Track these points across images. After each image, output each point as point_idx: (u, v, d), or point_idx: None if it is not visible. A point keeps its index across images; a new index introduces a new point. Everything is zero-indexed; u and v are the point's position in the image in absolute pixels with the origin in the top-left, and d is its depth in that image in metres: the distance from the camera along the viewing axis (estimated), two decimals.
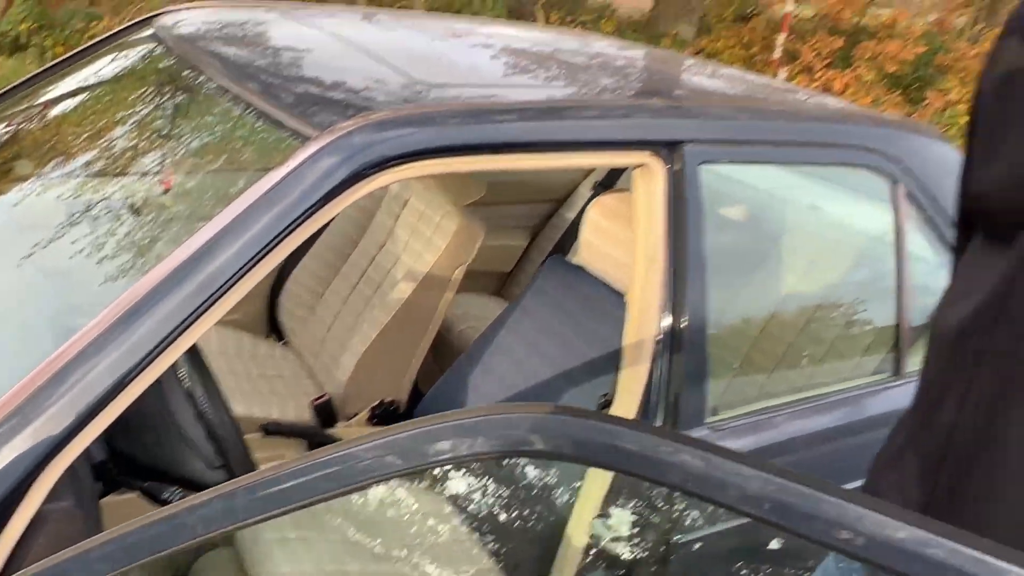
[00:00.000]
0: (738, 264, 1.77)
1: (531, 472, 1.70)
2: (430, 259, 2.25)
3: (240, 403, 2.18)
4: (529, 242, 3.15)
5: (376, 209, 2.54)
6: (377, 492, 1.94)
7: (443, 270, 2.25)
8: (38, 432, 1.01)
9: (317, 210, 1.17)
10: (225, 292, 1.11)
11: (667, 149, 1.46)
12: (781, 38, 9.58)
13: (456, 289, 2.31)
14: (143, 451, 1.40)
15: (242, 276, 1.12)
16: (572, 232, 3.02)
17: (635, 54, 2.35)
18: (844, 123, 1.75)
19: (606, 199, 1.89)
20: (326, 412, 2.27)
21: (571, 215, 3.05)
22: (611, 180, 2.95)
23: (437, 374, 2.40)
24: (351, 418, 2.30)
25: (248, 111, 1.35)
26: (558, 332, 1.94)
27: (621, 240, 1.78)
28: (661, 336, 1.46)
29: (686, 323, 1.47)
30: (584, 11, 10.83)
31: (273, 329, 2.71)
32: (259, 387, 2.34)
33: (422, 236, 2.33)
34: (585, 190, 3.08)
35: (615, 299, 1.79)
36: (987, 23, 13.15)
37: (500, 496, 1.58)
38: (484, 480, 1.61)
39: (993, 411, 0.93)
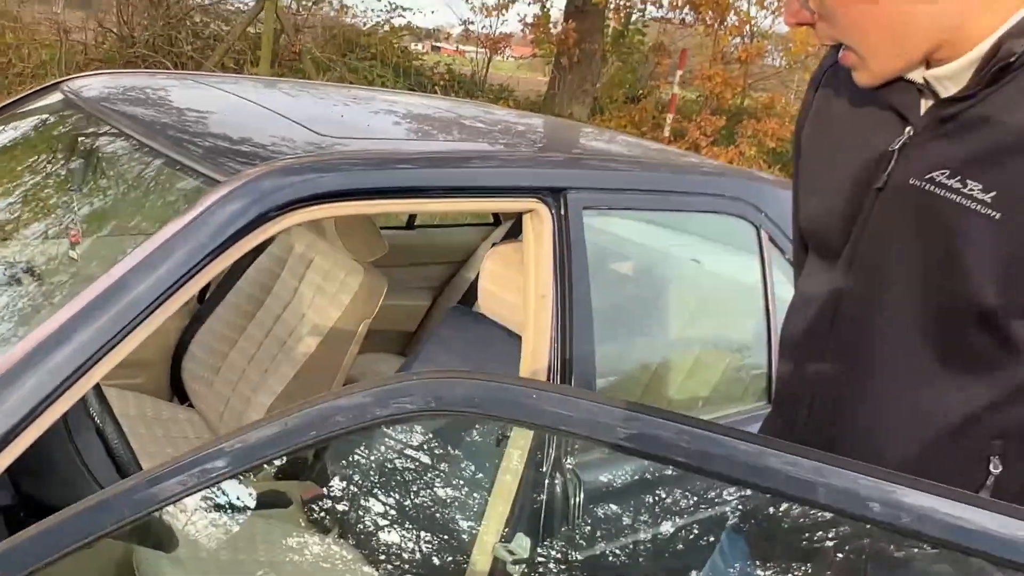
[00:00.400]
0: (620, 301, 1.92)
1: (440, 513, 1.77)
2: (335, 314, 2.32)
3: (145, 463, 2.17)
4: (432, 303, 3.26)
5: (281, 270, 2.61)
6: (297, 543, 1.97)
7: (348, 324, 2.32)
8: None
9: (227, 248, 1.25)
10: (139, 324, 1.17)
11: (552, 195, 1.60)
12: (669, 118, 10.15)
13: (360, 343, 2.38)
14: (50, 493, 1.42)
15: (155, 309, 1.18)
16: (472, 291, 3.14)
17: (528, 120, 2.53)
18: (712, 175, 1.94)
19: (501, 248, 2.01)
20: None
21: (471, 275, 3.17)
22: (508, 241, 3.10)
23: None
24: None
25: (163, 162, 1.43)
26: None
27: (516, 285, 1.90)
28: (553, 366, 1.58)
29: (575, 354, 1.59)
30: (483, 94, 11.23)
31: (177, 393, 2.71)
32: (164, 448, 2.33)
33: (327, 293, 2.41)
34: (484, 251, 3.22)
35: (513, 341, 1.90)
36: None
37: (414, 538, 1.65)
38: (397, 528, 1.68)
39: (835, 410, 1.07)
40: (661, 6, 11.13)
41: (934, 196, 0.94)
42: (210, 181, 1.32)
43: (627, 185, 1.72)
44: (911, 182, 0.96)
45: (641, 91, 12.91)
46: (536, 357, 1.59)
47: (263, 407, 2.28)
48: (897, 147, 0.98)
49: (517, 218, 3.10)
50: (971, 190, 0.91)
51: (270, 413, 2.26)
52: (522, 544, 1.58)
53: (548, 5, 11.21)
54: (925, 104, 0.98)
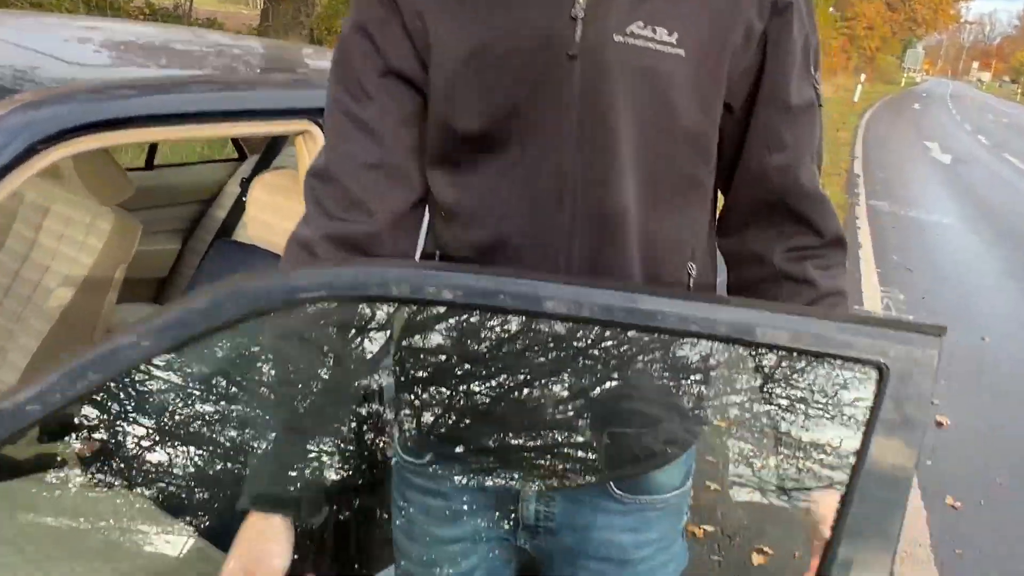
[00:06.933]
0: None
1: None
2: (87, 261, 2.20)
3: None
4: (182, 246, 3.13)
5: (11, 222, 2.40)
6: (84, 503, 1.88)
7: (103, 270, 2.21)
8: None
9: None
10: None
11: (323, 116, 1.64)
12: None
13: (119, 289, 2.27)
14: None
15: None
16: (226, 228, 3.07)
17: (260, 42, 2.48)
18: None
19: (266, 177, 2.01)
20: None
21: (222, 213, 3.08)
22: (257, 175, 3.05)
23: None
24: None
25: None
26: None
27: (287, 210, 1.92)
28: None
29: None
30: (190, 24, 10.51)
31: None
32: None
33: (73, 241, 2.26)
34: (232, 188, 3.14)
35: None
36: None
37: None
38: None
39: (592, 256, 1.11)
40: None
41: (635, 48, 1.01)
42: None
43: None
44: (616, 39, 1.01)
45: None
46: None
47: (19, 368, 2.12)
48: (580, 15, 1.01)
49: (264, 151, 3.05)
50: (660, 36, 1.01)
51: (30, 371, 2.12)
52: None
53: None
54: None
